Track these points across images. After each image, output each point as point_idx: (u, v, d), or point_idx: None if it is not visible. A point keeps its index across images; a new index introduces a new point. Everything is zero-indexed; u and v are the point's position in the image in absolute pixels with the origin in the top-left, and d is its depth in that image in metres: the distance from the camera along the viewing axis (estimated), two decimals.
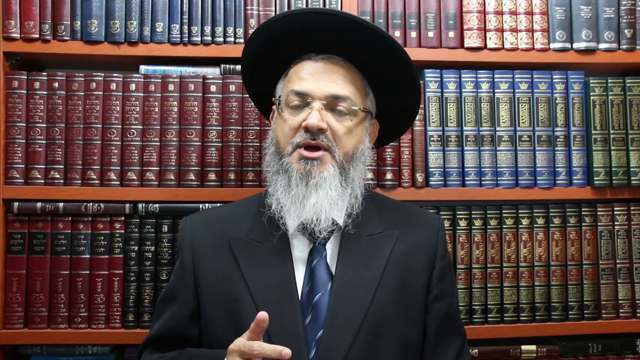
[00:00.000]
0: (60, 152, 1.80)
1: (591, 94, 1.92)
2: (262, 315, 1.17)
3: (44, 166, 1.79)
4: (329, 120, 1.37)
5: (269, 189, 1.42)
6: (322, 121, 1.35)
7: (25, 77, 1.80)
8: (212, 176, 1.83)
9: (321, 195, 1.34)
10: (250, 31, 1.83)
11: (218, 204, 1.76)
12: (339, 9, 1.86)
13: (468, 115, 1.89)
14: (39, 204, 1.77)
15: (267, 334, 1.30)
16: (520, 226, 1.89)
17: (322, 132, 1.36)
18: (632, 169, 1.91)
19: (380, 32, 1.40)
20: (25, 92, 1.80)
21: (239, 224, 1.44)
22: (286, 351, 1.14)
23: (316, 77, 1.39)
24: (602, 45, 1.93)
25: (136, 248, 1.81)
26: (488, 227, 1.88)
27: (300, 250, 1.40)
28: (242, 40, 1.84)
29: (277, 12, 1.86)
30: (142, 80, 1.82)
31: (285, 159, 1.38)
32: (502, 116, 1.90)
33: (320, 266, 1.37)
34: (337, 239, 1.42)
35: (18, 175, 1.79)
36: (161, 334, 1.42)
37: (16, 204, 1.77)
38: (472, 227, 1.88)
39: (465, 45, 1.90)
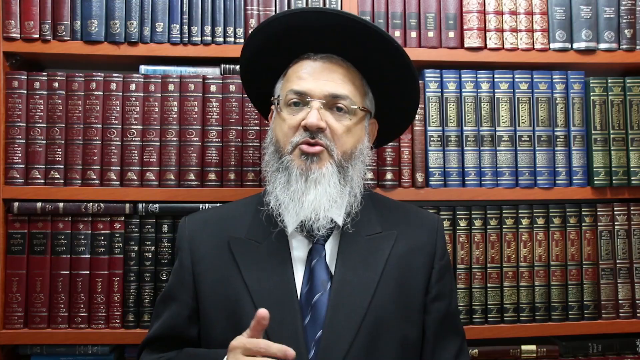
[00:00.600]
0: (60, 152, 1.80)
1: (591, 94, 1.92)
2: (262, 312, 1.17)
3: (44, 166, 1.79)
4: (328, 119, 1.37)
5: (268, 187, 1.41)
6: (321, 120, 1.35)
7: (25, 77, 1.80)
8: (212, 176, 1.83)
9: (320, 192, 1.34)
10: (251, 31, 1.83)
11: (218, 204, 1.76)
12: (339, 8, 1.86)
13: (468, 115, 1.89)
14: (39, 204, 1.77)
15: (266, 334, 1.30)
16: (520, 226, 1.89)
17: (321, 131, 1.36)
18: (632, 169, 1.91)
19: (380, 31, 1.40)
20: (25, 92, 1.80)
21: (238, 224, 1.44)
22: (291, 352, 1.14)
23: (315, 77, 1.39)
24: (602, 45, 1.93)
25: (136, 248, 1.81)
26: (488, 227, 1.88)
27: (299, 250, 1.40)
28: (242, 40, 1.84)
29: (277, 12, 1.85)
30: (142, 80, 1.82)
31: (286, 157, 1.37)
32: (502, 116, 1.90)
33: (319, 266, 1.37)
34: (336, 239, 1.42)
35: (18, 175, 1.79)
36: (160, 334, 1.42)
37: (16, 204, 1.77)
38: (472, 227, 1.88)
39: (465, 45, 1.90)
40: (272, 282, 1.36)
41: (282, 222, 1.38)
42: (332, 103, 1.38)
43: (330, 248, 1.41)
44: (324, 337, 1.31)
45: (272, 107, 1.48)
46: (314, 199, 1.34)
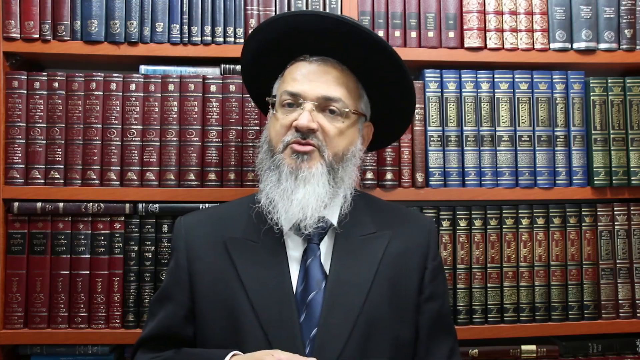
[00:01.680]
0: (60, 152, 1.80)
1: (591, 94, 1.92)
2: None
3: (44, 166, 1.79)
4: (320, 120, 1.39)
5: (260, 185, 1.43)
6: (313, 121, 1.36)
7: (25, 77, 1.80)
8: (212, 176, 1.83)
9: (309, 191, 1.36)
10: (251, 31, 1.83)
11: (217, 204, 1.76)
12: (339, 9, 1.86)
13: (468, 115, 1.89)
14: (39, 204, 1.77)
15: (263, 332, 1.32)
16: (520, 226, 1.89)
17: (313, 132, 1.37)
18: (632, 169, 1.91)
19: (373, 35, 1.41)
20: (25, 92, 1.80)
21: (234, 224, 1.45)
22: None
23: (309, 78, 1.40)
24: (602, 45, 1.93)
25: (136, 248, 1.80)
26: (488, 227, 1.88)
27: (294, 249, 1.41)
28: (242, 40, 1.84)
29: (277, 12, 1.86)
30: (142, 80, 1.82)
31: (278, 155, 1.39)
32: (502, 116, 1.90)
33: (314, 265, 1.38)
34: (331, 239, 1.43)
35: (18, 175, 1.79)
36: (156, 334, 1.42)
37: (16, 204, 1.77)
38: (472, 227, 1.88)
39: (465, 45, 1.90)
40: (269, 281, 1.36)
41: (272, 219, 1.39)
42: (324, 105, 1.39)
43: (325, 248, 1.42)
44: (319, 336, 1.32)
45: (270, 105, 1.49)
46: (302, 197, 1.35)
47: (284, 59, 1.47)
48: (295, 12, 1.47)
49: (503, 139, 1.90)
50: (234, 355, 1.30)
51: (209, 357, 1.34)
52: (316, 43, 1.42)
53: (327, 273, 1.38)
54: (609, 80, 1.92)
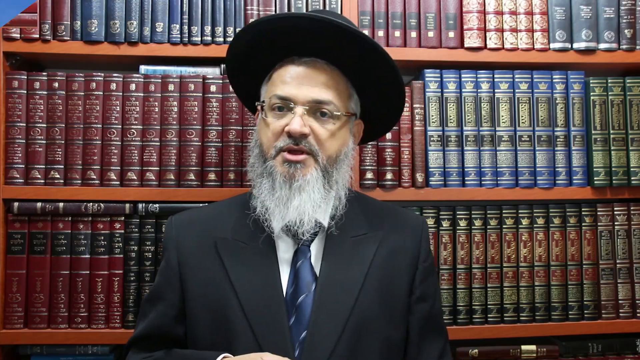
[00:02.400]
0: (60, 152, 1.80)
1: (591, 94, 1.92)
2: None
3: (44, 166, 1.79)
4: (312, 124, 1.38)
5: (254, 191, 1.42)
6: (305, 126, 1.36)
7: (25, 77, 1.80)
8: (212, 176, 1.83)
9: (304, 198, 1.35)
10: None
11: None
12: (339, 9, 1.86)
13: (468, 115, 1.89)
14: (39, 204, 1.77)
15: (253, 334, 1.32)
16: (520, 226, 1.89)
17: (305, 137, 1.36)
18: (632, 169, 1.91)
19: (362, 35, 1.39)
20: (25, 92, 1.80)
21: (225, 225, 1.45)
22: None
23: (299, 82, 1.39)
24: (602, 45, 1.93)
25: (136, 248, 1.81)
26: (488, 227, 1.88)
27: (285, 251, 1.41)
28: None
29: (277, 12, 1.86)
30: (142, 80, 1.82)
31: (269, 162, 1.38)
32: (502, 116, 1.90)
33: (304, 267, 1.38)
34: (321, 240, 1.42)
35: (18, 175, 1.79)
36: (147, 334, 1.42)
37: (16, 204, 1.77)
38: (472, 227, 1.88)
39: (465, 45, 1.90)
40: (259, 282, 1.36)
41: (269, 227, 1.39)
42: (315, 108, 1.39)
43: (315, 249, 1.42)
44: (308, 338, 1.32)
45: (258, 108, 1.48)
46: (299, 204, 1.35)
47: (269, 61, 1.46)
48: (277, 16, 1.45)
49: (503, 139, 1.90)
50: (224, 357, 1.30)
51: (199, 358, 1.34)
52: (302, 44, 1.40)
53: (318, 275, 1.38)
54: (609, 80, 1.92)
